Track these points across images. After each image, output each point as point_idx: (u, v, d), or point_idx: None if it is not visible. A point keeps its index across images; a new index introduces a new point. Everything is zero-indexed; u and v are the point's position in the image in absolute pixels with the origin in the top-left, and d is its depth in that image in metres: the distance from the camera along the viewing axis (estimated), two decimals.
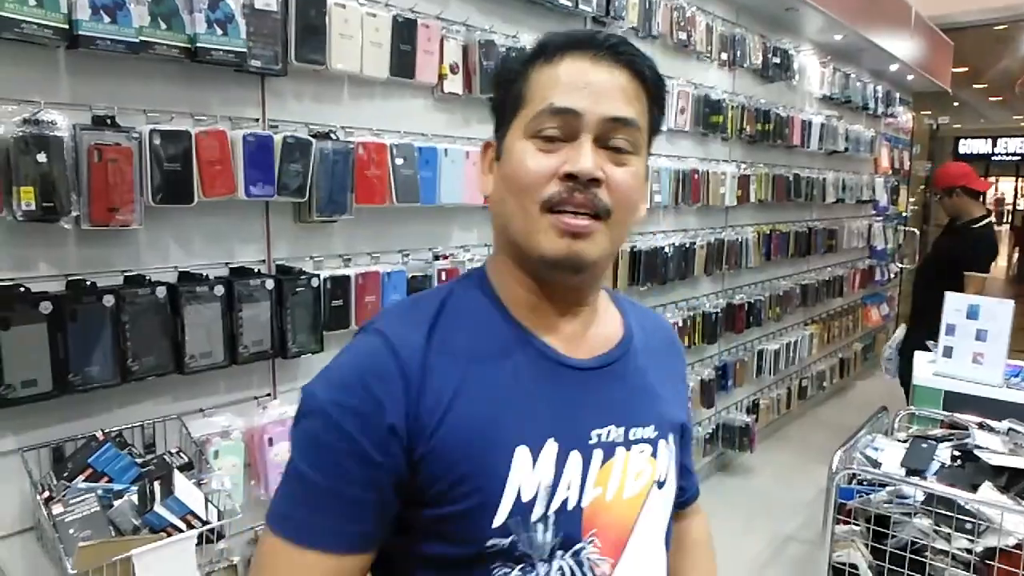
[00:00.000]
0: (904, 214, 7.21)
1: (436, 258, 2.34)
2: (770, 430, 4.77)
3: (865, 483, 1.87)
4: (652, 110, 0.82)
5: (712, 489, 3.93)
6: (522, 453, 0.76)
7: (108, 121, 1.56)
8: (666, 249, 3.39)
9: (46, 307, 1.48)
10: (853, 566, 1.82)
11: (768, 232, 4.38)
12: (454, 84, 2.29)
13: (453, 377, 0.77)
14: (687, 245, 3.57)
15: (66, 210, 1.48)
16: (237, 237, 1.86)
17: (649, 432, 0.86)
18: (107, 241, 1.62)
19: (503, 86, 0.84)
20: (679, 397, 0.97)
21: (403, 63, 2.12)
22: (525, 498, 0.75)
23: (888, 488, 1.81)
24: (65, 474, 1.51)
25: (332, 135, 1.97)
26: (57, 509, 1.41)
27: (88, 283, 1.57)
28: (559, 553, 0.77)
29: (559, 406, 0.80)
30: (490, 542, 0.75)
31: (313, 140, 1.88)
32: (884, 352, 4.18)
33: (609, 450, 0.81)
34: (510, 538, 0.75)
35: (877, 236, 6.28)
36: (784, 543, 3.47)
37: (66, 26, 1.45)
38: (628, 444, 0.83)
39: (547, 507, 0.76)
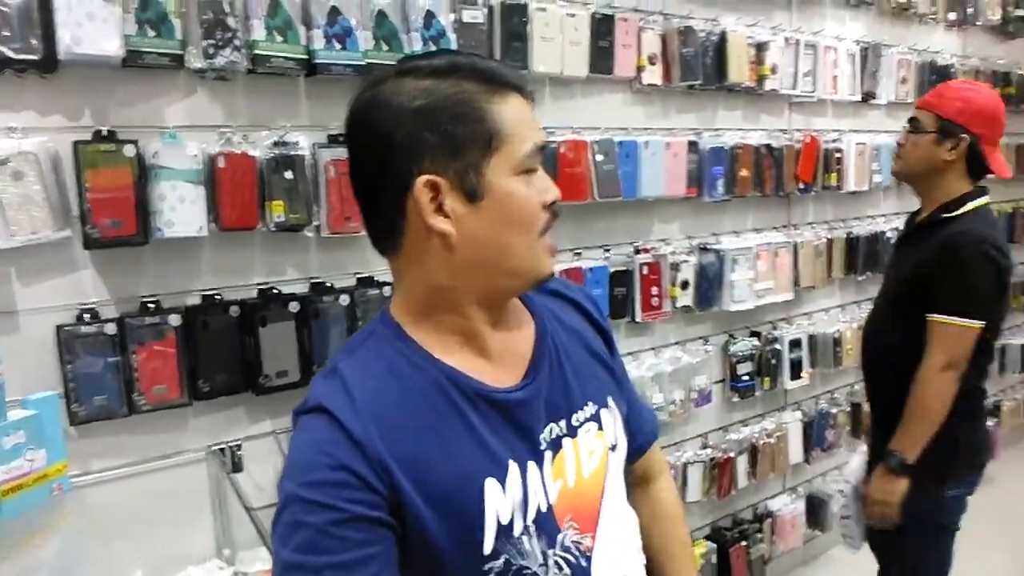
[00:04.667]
0: None
1: (637, 252, 2.33)
2: (1017, 435, 4.21)
3: None
4: None
5: None
6: (491, 485, 0.81)
7: (341, 139, 1.72)
8: (888, 234, 3.13)
9: (294, 307, 1.67)
10: None
11: (1011, 211, 3.86)
12: (653, 75, 2.26)
13: (406, 440, 0.78)
14: None
15: (309, 220, 1.66)
16: None
17: (589, 410, 0.92)
18: (342, 246, 1.79)
19: (455, 120, 0.79)
20: (603, 355, 1.00)
21: (602, 59, 2.13)
22: (504, 520, 0.81)
23: None
24: None
25: None
26: None
27: (328, 284, 1.75)
28: (549, 552, 0.84)
29: (505, 432, 0.84)
30: (486, 566, 0.80)
31: None
32: (835, 507, 2.80)
33: (555, 445, 0.88)
34: (502, 558, 0.81)
35: None
36: None
37: (305, 57, 1.62)
38: (573, 432, 0.90)
39: (524, 519, 0.83)
